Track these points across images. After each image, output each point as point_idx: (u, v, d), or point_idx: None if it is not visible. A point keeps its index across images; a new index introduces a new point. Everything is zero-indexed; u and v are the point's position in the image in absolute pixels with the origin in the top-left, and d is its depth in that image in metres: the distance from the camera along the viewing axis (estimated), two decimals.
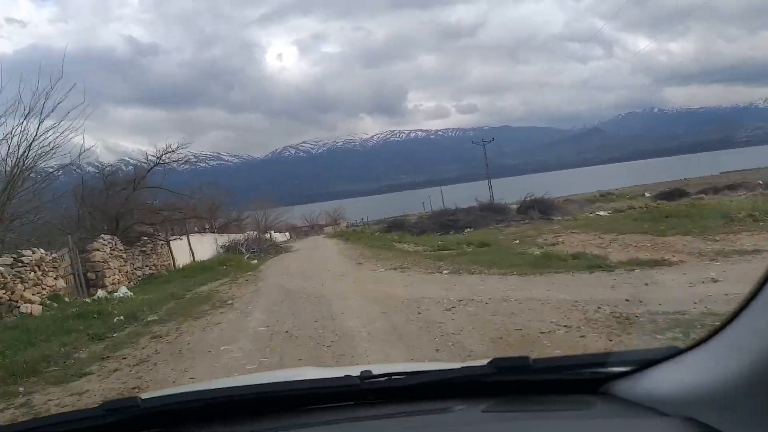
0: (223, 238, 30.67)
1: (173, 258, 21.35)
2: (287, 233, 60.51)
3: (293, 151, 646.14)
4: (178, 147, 19.49)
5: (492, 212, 27.25)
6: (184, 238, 23.82)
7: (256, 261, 23.66)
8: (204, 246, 26.70)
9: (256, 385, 1.41)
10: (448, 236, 23.44)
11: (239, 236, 31.01)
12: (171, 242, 21.31)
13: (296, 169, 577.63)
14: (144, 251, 18.65)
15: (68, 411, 3.51)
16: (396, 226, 39.15)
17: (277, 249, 31.13)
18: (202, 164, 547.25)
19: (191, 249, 23.96)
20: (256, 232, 35.01)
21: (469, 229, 24.27)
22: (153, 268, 18.99)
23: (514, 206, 31.89)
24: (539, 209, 26.98)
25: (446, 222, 25.90)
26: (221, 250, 28.63)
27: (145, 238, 19.10)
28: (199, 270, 19.97)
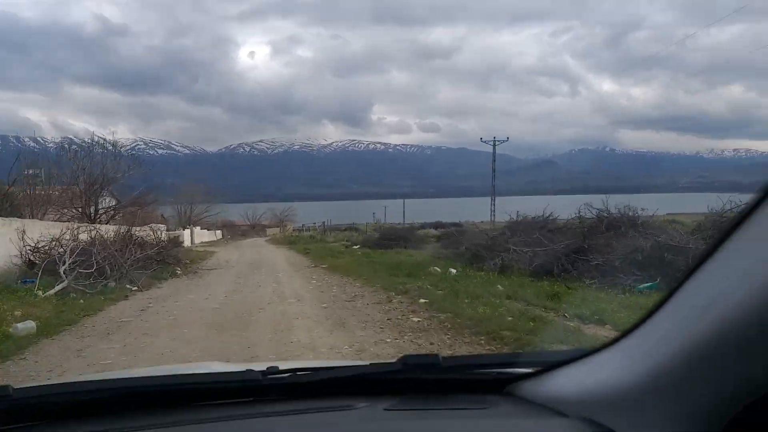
0: (53, 230, 14.20)
1: None
2: (219, 231, 44.87)
3: (248, 149, 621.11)
4: None
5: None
6: None
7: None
8: None
9: (143, 377, 1.33)
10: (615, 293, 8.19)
11: (92, 232, 14.45)
12: None
13: (249, 168, 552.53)
14: None
15: None
16: (396, 239, 24.37)
17: (166, 267, 14.69)
18: (150, 152, 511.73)
19: None
20: (139, 228, 18.44)
21: (644, 286, 9.15)
22: None
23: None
24: None
25: (573, 253, 10.48)
26: (29, 257, 12.18)
27: None
28: None
